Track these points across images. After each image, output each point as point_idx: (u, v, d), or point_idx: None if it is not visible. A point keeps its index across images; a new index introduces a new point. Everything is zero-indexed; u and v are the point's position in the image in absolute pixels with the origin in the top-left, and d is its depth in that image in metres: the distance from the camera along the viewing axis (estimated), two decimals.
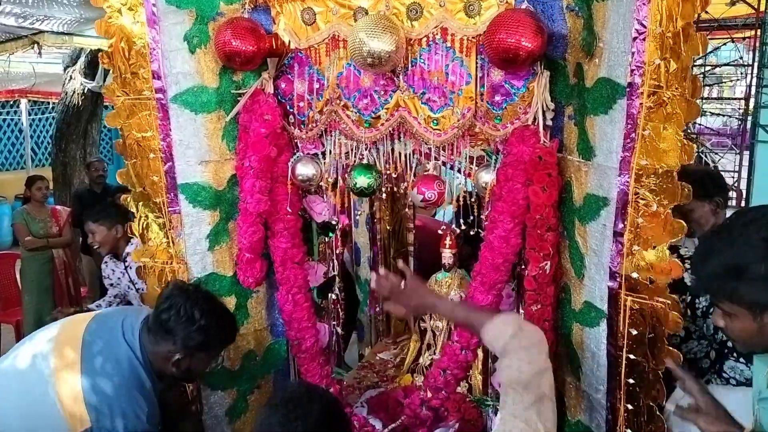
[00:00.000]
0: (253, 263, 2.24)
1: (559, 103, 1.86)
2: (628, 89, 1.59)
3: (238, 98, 2.19)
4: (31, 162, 10.15)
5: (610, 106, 1.65)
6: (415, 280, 1.82)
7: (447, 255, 2.64)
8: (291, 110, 2.19)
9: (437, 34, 1.94)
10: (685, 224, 1.60)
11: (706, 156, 5.44)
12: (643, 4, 1.52)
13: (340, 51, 2.06)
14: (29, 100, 9.95)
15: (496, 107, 1.93)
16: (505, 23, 1.70)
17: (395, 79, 2.02)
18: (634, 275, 1.67)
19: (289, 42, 2.12)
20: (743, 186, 5.45)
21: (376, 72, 1.99)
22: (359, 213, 2.98)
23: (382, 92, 2.05)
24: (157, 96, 2.11)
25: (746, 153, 5.50)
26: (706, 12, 5.50)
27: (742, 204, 5.41)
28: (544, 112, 1.86)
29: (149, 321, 1.88)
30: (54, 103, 8.97)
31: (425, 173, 2.06)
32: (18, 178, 7.43)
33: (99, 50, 6.35)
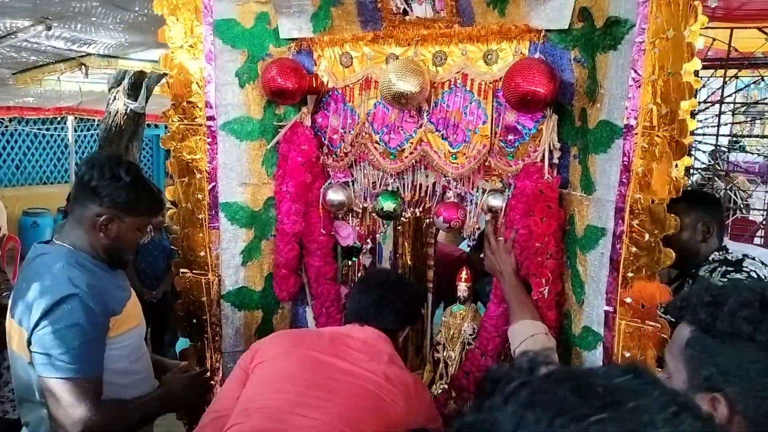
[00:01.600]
0: (288, 278, 2.45)
1: (565, 144, 2.05)
2: (624, 130, 1.78)
3: (279, 129, 2.43)
4: (75, 176, 10.49)
5: (609, 145, 1.84)
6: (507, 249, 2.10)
7: (462, 288, 2.78)
8: (325, 142, 2.43)
9: (458, 78, 2.17)
10: (673, 253, 1.76)
11: (735, 194, 5.50)
12: (639, 55, 1.73)
13: (372, 91, 2.30)
14: (75, 117, 10.33)
15: (509, 145, 2.13)
16: (523, 70, 1.91)
17: (419, 116, 2.24)
18: (628, 300, 1.81)
19: (328, 81, 2.37)
20: None
21: (402, 109, 2.22)
22: (382, 233, 3.16)
23: (407, 128, 2.27)
24: (208, 123, 2.38)
25: None
26: (736, 50, 5.69)
27: None
28: (551, 151, 2.05)
29: (72, 194, 1.94)
30: (98, 120, 9.33)
31: (447, 200, 2.26)
32: (62, 192, 7.69)
33: (142, 72, 6.86)
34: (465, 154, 2.19)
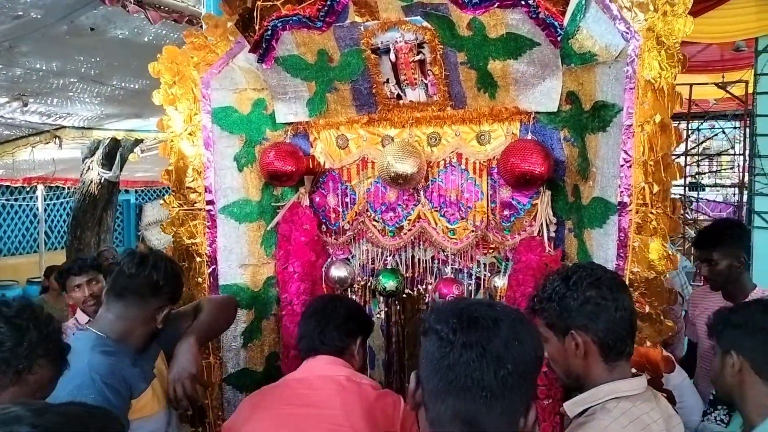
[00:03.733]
0: (297, 360, 2.44)
1: (560, 218, 2.13)
2: (618, 207, 1.87)
3: (277, 210, 2.48)
4: (45, 246, 10.06)
5: (604, 221, 1.93)
6: None
7: None
8: (324, 220, 2.48)
9: (453, 158, 2.26)
10: (673, 326, 1.84)
11: None
12: (628, 137, 1.84)
13: (369, 170, 2.38)
14: (46, 186, 9.94)
15: (505, 220, 2.22)
16: (519, 151, 2.01)
17: (417, 195, 2.32)
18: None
19: (324, 162, 2.44)
20: None
21: (400, 189, 2.29)
22: (376, 315, 3.17)
23: (405, 206, 2.34)
24: (208, 207, 2.42)
25: None
26: (696, 104, 5.99)
27: None
28: (547, 226, 2.13)
29: (112, 298, 1.91)
30: (70, 187, 9.00)
31: (445, 277, 2.31)
32: (30, 262, 7.41)
33: (116, 140, 6.84)
34: (463, 230, 2.26)
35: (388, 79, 2.21)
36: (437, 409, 1.08)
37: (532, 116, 2.12)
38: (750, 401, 1.58)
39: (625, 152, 1.85)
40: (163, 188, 10.85)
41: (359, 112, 2.34)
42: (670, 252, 1.81)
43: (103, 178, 7.18)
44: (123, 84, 5.14)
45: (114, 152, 7.22)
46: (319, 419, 1.75)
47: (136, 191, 11.65)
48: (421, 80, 2.18)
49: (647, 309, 1.85)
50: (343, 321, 1.95)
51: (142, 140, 7.29)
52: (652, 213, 1.83)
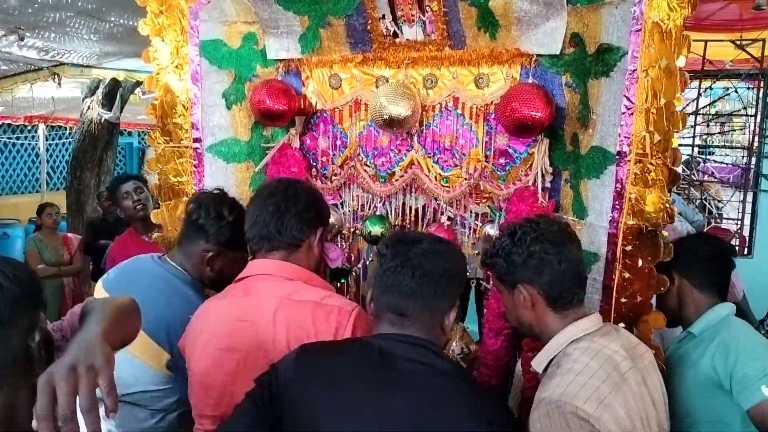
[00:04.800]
0: None
1: (556, 168, 2.05)
2: (617, 157, 1.79)
3: (267, 151, 2.40)
4: (47, 186, 10.16)
5: (602, 171, 1.85)
6: None
7: None
8: (314, 164, 2.40)
9: (449, 101, 2.16)
10: (667, 279, 1.78)
11: (709, 203, 5.59)
12: (632, 83, 1.74)
13: (362, 113, 2.29)
14: (47, 125, 9.91)
15: (500, 169, 2.14)
16: (520, 95, 1.91)
17: (410, 139, 2.23)
18: (621, 325, 1.82)
19: (316, 103, 2.35)
20: (746, 233, 5.60)
21: (393, 132, 2.21)
22: (369, 261, 3.12)
23: (398, 151, 2.26)
24: (195, 145, 2.34)
25: (749, 202, 5.66)
26: (710, 62, 5.82)
27: (745, 252, 5.55)
28: (543, 175, 2.05)
29: (183, 227, 2.01)
30: (71, 128, 8.95)
31: (437, 225, 2.25)
32: (32, 202, 7.45)
33: (116, 81, 6.75)
34: (456, 178, 2.19)
35: (384, 15, 2.10)
36: (377, 305, 1.46)
37: (533, 59, 2.02)
38: (689, 308, 1.97)
39: (628, 99, 1.76)
40: None
41: (353, 50, 2.24)
42: (667, 205, 1.73)
43: (103, 119, 7.10)
44: (121, 21, 5.01)
45: (114, 92, 7.12)
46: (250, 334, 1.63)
47: (139, 134, 11.55)
48: (419, 17, 2.07)
49: (640, 263, 1.79)
50: (304, 209, 1.71)
51: (142, 82, 7.18)
52: (651, 164, 1.74)
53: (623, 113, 1.77)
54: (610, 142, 1.82)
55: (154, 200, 2.82)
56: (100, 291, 2.02)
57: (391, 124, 2.10)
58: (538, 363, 1.56)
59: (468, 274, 2.46)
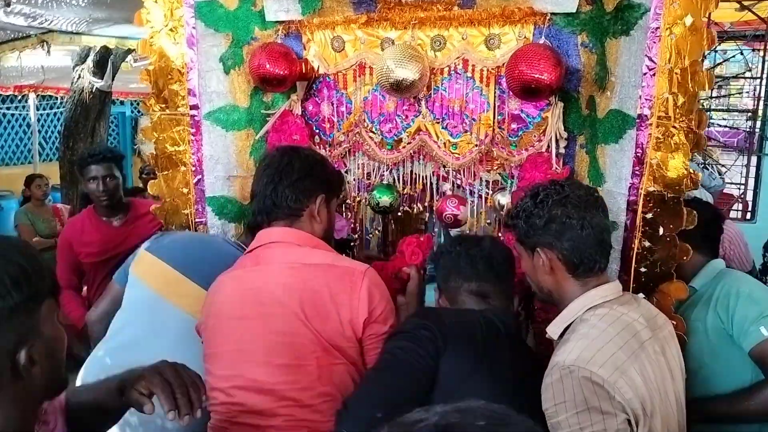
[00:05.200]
0: None
1: (571, 133, 1.97)
2: (638, 120, 1.71)
3: (267, 118, 2.31)
4: (39, 157, 9.79)
5: (621, 135, 1.77)
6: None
7: None
8: (317, 131, 2.31)
9: (459, 64, 2.06)
10: (689, 247, 1.71)
11: (712, 168, 5.51)
12: (654, 42, 1.65)
13: (366, 77, 2.19)
14: (37, 95, 9.53)
15: (512, 134, 2.05)
16: (527, 57, 1.82)
17: (417, 104, 2.14)
18: (641, 296, 1.76)
19: (318, 67, 2.25)
20: (749, 197, 5.55)
21: (400, 97, 2.11)
22: (371, 234, 3.06)
23: (405, 117, 2.17)
24: (192, 112, 2.24)
25: (753, 166, 5.59)
26: (716, 23, 5.69)
27: (748, 216, 5.51)
28: (557, 141, 1.97)
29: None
30: (62, 97, 8.67)
31: (449, 194, 2.17)
32: (25, 173, 7.32)
33: (107, 49, 6.58)
34: (466, 144, 2.10)
35: None
36: (458, 293, 1.69)
37: (547, 18, 1.92)
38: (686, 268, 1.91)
39: (650, 59, 1.67)
40: None
41: (357, 11, 2.13)
42: (691, 170, 1.65)
43: (94, 87, 6.92)
44: None
45: (105, 60, 6.93)
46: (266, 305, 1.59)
47: (131, 103, 11.35)
48: None
49: (661, 231, 1.72)
50: (298, 178, 1.66)
51: (134, 49, 7.00)
52: (674, 127, 1.66)
53: (644, 74, 1.68)
54: (630, 104, 1.74)
55: (148, 172, 2.68)
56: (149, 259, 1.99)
57: (398, 88, 2.00)
58: (553, 329, 1.52)
59: None
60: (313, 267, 1.59)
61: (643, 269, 1.76)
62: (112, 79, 7.12)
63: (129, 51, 6.98)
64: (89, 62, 6.87)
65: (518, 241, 1.58)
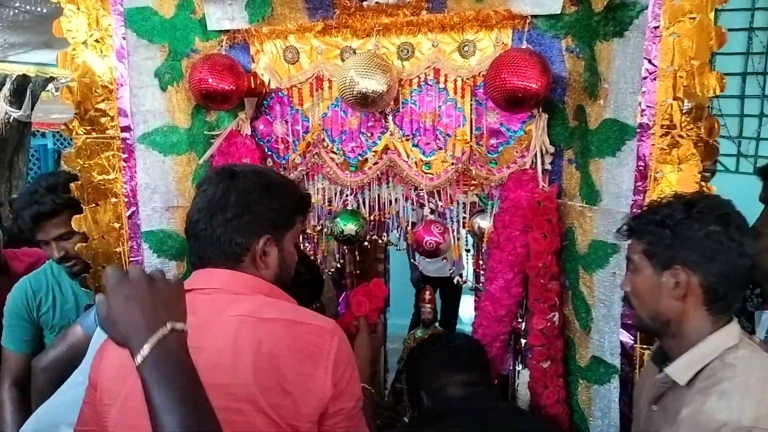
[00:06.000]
0: None
1: (557, 147, 1.78)
2: (638, 130, 1.53)
3: (212, 140, 2.03)
4: None
5: (619, 147, 1.59)
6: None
7: (427, 310, 2.50)
8: (270, 153, 2.05)
9: (429, 74, 1.85)
10: None
11: None
12: (654, 43, 1.49)
13: (325, 91, 1.95)
14: None
15: (491, 151, 1.85)
16: (511, 63, 1.62)
17: (384, 120, 1.91)
18: None
19: (270, 81, 1.99)
20: None
21: (365, 112, 1.88)
22: (332, 269, 2.75)
23: (370, 134, 1.93)
24: (123, 135, 1.94)
25: None
26: None
27: None
28: (542, 156, 1.78)
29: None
30: None
31: (427, 220, 1.93)
32: None
33: (25, 76, 6.16)
34: (440, 162, 1.88)
35: None
36: (445, 389, 1.71)
37: (527, 21, 1.73)
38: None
39: (649, 61, 1.50)
40: None
41: (312, 18, 1.90)
42: (703, 183, 1.48)
43: (12, 118, 6.45)
44: (28, 7, 4.49)
45: (23, 88, 6.47)
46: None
47: (53, 135, 10.70)
48: None
49: None
50: (234, 216, 1.28)
51: (55, 78, 6.58)
52: (681, 136, 1.49)
53: (644, 78, 1.51)
54: (627, 113, 1.56)
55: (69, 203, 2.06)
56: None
57: (363, 102, 1.77)
58: (680, 372, 1.28)
59: (450, 272, 2.19)
60: (270, 323, 1.21)
61: None
62: (32, 109, 6.66)
63: (50, 79, 6.57)
64: (5, 91, 6.41)
65: (644, 252, 1.33)
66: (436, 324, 2.55)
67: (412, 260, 4.58)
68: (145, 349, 0.88)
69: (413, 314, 4.33)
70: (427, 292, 2.51)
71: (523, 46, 1.72)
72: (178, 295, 0.97)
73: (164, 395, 0.86)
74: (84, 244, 1.98)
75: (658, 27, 1.48)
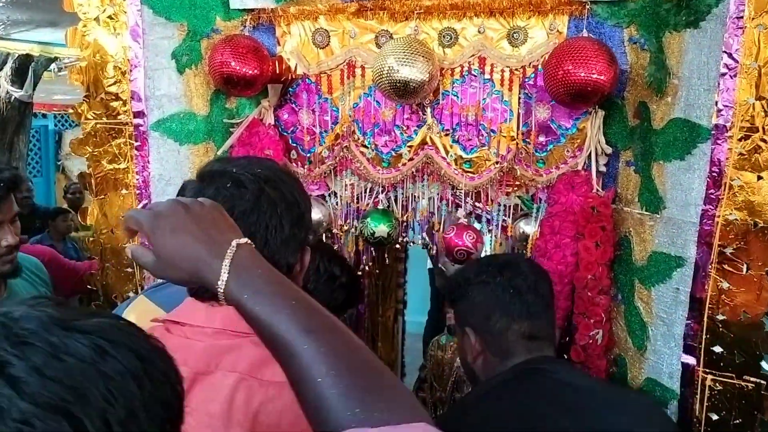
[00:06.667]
0: None
1: (614, 147, 1.63)
2: (713, 132, 1.37)
3: (231, 129, 1.87)
4: None
5: (689, 150, 1.43)
6: None
7: (451, 316, 2.35)
8: (294, 145, 1.89)
9: (474, 63, 1.69)
10: None
11: None
12: (735, 35, 1.33)
13: (357, 79, 1.79)
14: None
15: (539, 149, 1.69)
16: (575, 53, 1.47)
17: (422, 113, 1.75)
18: (718, 349, 1.42)
19: (296, 67, 1.83)
20: None
21: (403, 103, 1.72)
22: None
23: (406, 128, 1.78)
24: (136, 121, 1.79)
25: None
26: None
27: None
28: (597, 157, 1.62)
29: None
30: None
31: (458, 222, 1.78)
32: None
33: (28, 56, 6.00)
34: (483, 161, 1.72)
35: None
36: (504, 336, 1.31)
37: (586, 8, 1.57)
38: None
39: (729, 55, 1.34)
40: None
41: None
42: None
43: (13, 97, 6.29)
44: None
45: (25, 67, 6.31)
46: None
47: (54, 116, 10.52)
48: None
49: (745, 269, 1.38)
50: (291, 224, 1.01)
51: (58, 57, 6.41)
52: (764, 140, 1.33)
53: (722, 75, 1.35)
54: (700, 113, 1.40)
55: (74, 191, 1.89)
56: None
57: (402, 92, 1.61)
58: None
59: None
60: (273, 388, 0.92)
61: (719, 316, 1.41)
62: (34, 89, 6.49)
63: (53, 59, 6.40)
64: (7, 69, 6.25)
65: None
66: None
67: (438, 265, 4.35)
68: (223, 273, 0.74)
69: (429, 312, 4.18)
70: None
71: (584, 35, 1.56)
72: (220, 213, 0.82)
73: (266, 306, 0.72)
74: (91, 239, 1.83)
75: (741, 17, 1.32)
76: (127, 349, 0.57)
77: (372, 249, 2.40)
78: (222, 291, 0.74)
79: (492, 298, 1.32)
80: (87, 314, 0.60)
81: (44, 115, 9.97)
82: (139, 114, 1.78)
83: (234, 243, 0.77)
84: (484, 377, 1.32)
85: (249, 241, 0.79)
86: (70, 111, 1.81)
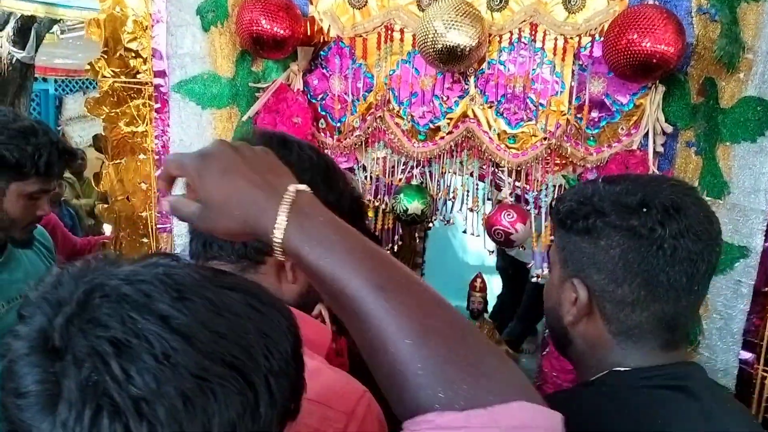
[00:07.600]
0: None
1: (674, 126, 1.51)
2: None
3: (257, 94, 1.75)
4: None
5: (761, 132, 1.33)
6: None
7: (477, 299, 2.26)
8: (324, 113, 1.77)
9: (525, 30, 1.57)
10: None
11: None
12: None
13: (395, 44, 1.67)
14: None
15: (591, 126, 1.57)
16: (640, 22, 1.34)
17: (464, 82, 1.63)
18: None
19: (329, 29, 1.71)
20: None
21: (444, 71, 1.60)
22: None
23: (446, 98, 1.66)
24: (156, 81, 1.66)
25: None
26: None
27: None
28: (655, 136, 1.51)
29: None
30: None
31: (502, 204, 1.66)
32: None
33: (31, 17, 5.83)
34: (529, 136, 1.61)
35: None
36: (637, 319, 0.92)
37: None
38: None
39: None
40: (88, 79, 9.63)
41: None
42: None
43: (14, 59, 6.13)
44: None
45: (27, 28, 6.13)
46: None
47: (55, 80, 10.33)
48: None
49: None
50: None
51: (61, 19, 6.24)
52: None
53: None
54: None
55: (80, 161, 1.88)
56: None
57: (448, 59, 1.49)
58: None
59: (529, 266, 1.93)
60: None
61: None
62: (36, 51, 6.33)
63: (56, 21, 6.23)
64: (8, 29, 6.08)
65: None
66: (485, 315, 2.31)
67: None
68: (281, 219, 0.64)
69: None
70: (479, 279, 2.27)
71: (650, 2, 1.43)
72: (273, 156, 0.71)
73: (331, 259, 0.62)
74: (105, 206, 1.72)
75: None
76: (273, 307, 0.58)
77: (400, 227, 2.30)
78: (279, 240, 0.63)
79: (638, 259, 0.89)
80: (219, 272, 0.61)
81: (45, 79, 9.80)
82: (160, 73, 1.66)
83: (292, 188, 0.66)
84: (587, 347, 0.96)
85: (307, 188, 0.68)
86: (72, 75, 1.70)
